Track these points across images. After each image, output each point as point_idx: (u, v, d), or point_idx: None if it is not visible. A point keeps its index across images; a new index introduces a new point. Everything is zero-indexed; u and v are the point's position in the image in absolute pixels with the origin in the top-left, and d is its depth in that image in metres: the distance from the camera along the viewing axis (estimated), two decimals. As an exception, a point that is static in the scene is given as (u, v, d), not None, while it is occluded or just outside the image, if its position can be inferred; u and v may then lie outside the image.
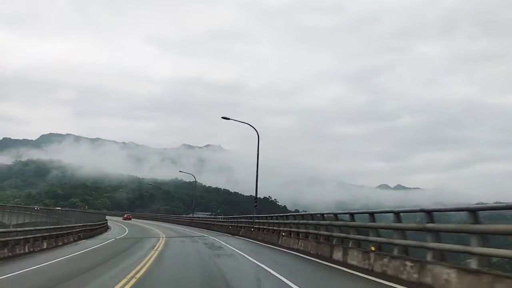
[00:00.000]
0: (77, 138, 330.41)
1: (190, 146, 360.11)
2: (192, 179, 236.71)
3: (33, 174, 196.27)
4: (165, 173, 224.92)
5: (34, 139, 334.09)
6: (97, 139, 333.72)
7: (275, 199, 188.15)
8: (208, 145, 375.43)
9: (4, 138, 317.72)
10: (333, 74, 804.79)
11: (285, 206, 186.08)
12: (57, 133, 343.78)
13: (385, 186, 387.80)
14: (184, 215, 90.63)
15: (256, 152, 35.03)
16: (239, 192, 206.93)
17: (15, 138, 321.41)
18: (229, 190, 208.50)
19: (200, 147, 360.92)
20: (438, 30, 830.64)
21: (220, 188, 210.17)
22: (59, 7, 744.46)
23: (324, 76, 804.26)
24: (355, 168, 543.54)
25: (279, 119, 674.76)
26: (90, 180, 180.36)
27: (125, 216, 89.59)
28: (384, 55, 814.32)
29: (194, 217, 69.98)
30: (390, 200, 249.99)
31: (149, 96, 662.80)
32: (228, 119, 37.77)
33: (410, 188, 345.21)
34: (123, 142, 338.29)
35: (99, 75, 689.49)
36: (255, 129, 34.36)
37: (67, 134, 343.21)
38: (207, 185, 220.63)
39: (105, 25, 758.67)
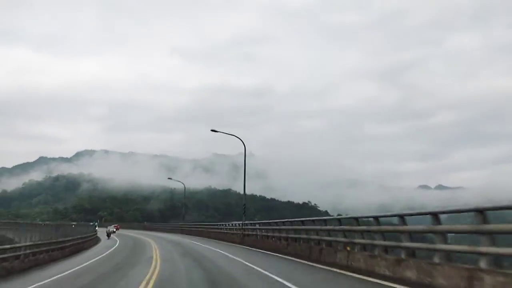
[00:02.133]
0: (109, 153, 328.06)
1: (221, 155, 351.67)
2: (226, 187, 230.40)
3: (63, 189, 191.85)
4: (198, 182, 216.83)
5: (69, 156, 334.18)
6: (129, 153, 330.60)
7: (315, 204, 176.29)
8: (240, 153, 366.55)
9: (40, 157, 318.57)
10: (363, 72, 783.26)
11: (326, 211, 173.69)
12: (91, 149, 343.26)
13: (425, 187, 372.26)
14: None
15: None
16: (276, 198, 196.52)
17: (51, 157, 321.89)
18: (265, 197, 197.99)
19: (232, 155, 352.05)
20: (472, 19, 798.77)
21: (256, 195, 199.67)
22: (87, 26, 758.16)
23: (353, 75, 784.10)
24: (392, 169, 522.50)
25: (310, 122, 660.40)
26: (121, 192, 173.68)
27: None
28: (416, 49, 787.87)
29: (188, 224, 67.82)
30: (433, 200, 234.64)
31: (177, 106, 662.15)
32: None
33: (452, 188, 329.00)
34: (155, 155, 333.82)
35: (128, 89, 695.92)
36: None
37: (101, 150, 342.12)
38: (241, 192, 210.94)
39: (131, 40, 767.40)
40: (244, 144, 34.77)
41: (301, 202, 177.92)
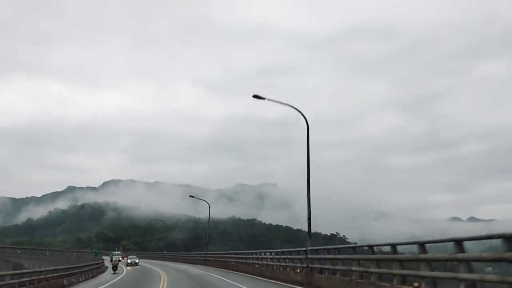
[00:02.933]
0: (135, 182, 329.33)
1: (245, 185, 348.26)
2: (250, 217, 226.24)
3: (88, 217, 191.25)
4: (222, 212, 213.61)
5: (96, 186, 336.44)
6: (154, 183, 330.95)
7: (343, 236, 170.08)
8: (263, 183, 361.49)
9: (68, 187, 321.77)
10: (389, 102, 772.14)
11: (355, 243, 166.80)
12: (118, 179, 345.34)
13: (457, 219, 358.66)
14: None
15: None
16: (302, 229, 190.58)
17: (79, 186, 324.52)
18: (291, 228, 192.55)
19: (255, 186, 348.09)
20: (501, 46, 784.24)
21: (282, 225, 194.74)
22: (114, 58, 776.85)
23: (379, 105, 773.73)
24: (421, 201, 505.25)
25: (334, 152, 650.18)
26: (145, 221, 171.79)
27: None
28: (443, 79, 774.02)
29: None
30: (467, 233, 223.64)
31: (202, 137, 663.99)
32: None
33: (485, 220, 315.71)
34: (179, 184, 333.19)
35: (154, 120, 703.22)
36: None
37: (127, 179, 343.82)
38: (267, 222, 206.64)
39: (157, 71, 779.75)
40: (306, 120, 24.54)
41: (328, 234, 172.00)
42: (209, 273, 32.60)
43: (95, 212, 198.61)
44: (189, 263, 58.76)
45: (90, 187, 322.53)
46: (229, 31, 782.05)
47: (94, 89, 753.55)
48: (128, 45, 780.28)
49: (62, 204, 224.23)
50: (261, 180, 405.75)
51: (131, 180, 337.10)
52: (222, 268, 39.20)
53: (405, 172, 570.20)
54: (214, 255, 50.48)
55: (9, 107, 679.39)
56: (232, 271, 33.90)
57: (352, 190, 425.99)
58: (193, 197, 71.44)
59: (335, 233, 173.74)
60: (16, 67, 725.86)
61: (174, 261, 66.96)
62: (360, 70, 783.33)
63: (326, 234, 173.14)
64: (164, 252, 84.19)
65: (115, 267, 39.44)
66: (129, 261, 55.90)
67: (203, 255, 55.24)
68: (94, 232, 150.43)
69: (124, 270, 41.66)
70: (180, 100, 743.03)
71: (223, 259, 42.62)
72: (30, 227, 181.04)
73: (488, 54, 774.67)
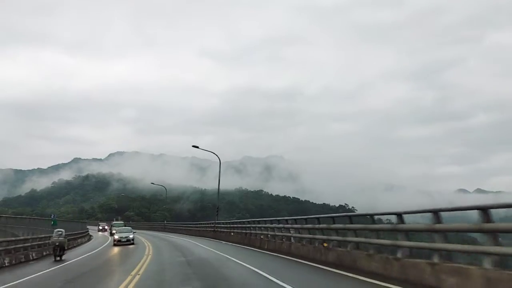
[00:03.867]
0: (140, 154, 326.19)
1: (252, 158, 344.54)
2: (257, 188, 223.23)
3: (92, 188, 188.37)
4: (229, 183, 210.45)
5: (102, 158, 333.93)
6: (159, 155, 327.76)
7: (352, 207, 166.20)
8: (269, 156, 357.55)
9: (74, 158, 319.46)
10: (397, 72, 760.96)
11: (379, 218, 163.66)
12: (123, 151, 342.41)
13: (463, 191, 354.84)
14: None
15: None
16: (310, 201, 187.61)
17: (85, 158, 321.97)
18: (299, 199, 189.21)
19: (262, 158, 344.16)
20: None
21: (289, 197, 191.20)
22: (117, 29, 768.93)
23: (387, 75, 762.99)
24: (428, 172, 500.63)
25: (341, 124, 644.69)
26: (150, 192, 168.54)
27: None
28: (453, 48, 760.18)
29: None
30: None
31: (206, 109, 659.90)
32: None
33: (492, 192, 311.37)
34: (185, 156, 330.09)
35: (158, 92, 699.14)
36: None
37: (132, 151, 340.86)
38: (274, 194, 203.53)
39: (160, 42, 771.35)
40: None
41: (337, 205, 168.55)
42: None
43: (99, 183, 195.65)
44: (194, 235, 47.16)
45: (95, 158, 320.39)
46: (234, 1, 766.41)
47: (96, 60, 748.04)
48: (130, 14, 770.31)
49: (66, 175, 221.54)
50: (268, 152, 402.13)
51: (136, 152, 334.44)
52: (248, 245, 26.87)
53: (413, 143, 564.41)
54: (227, 226, 37.37)
55: (12, 79, 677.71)
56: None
57: (360, 162, 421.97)
58: (197, 145, 56.11)
59: (343, 204, 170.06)
60: (17, 39, 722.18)
61: (176, 233, 57.78)
62: (367, 39, 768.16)
63: (334, 205, 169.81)
64: (166, 222, 78.56)
65: (56, 249, 22.92)
66: (116, 236, 35.26)
67: (213, 225, 42.69)
68: (98, 203, 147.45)
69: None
70: (184, 72, 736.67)
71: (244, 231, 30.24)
72: (34, 198, 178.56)
73: (498, 23, 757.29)
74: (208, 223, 47.58)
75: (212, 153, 46.83)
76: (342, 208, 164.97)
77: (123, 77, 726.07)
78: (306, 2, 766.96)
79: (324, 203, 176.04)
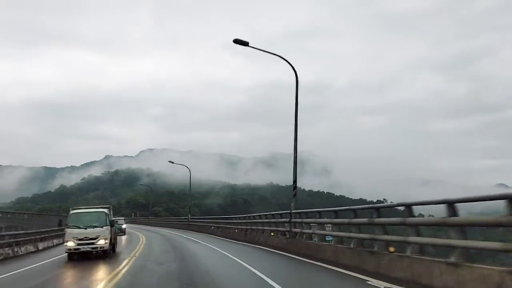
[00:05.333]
0: (169, 151, 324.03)
1: (280, 153, 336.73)
2: (289, 183, 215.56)
3: (122, 184, 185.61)
4: (260, 178, 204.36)
5: (133, 155, 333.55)
6: (188, 151, 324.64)
7: (391, 202, 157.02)
8: (299, 151, 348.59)
9: (106, 156, 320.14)
10: (427, 63, 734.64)
11: (420, 213, 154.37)
12: (153, 148, 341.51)
13: (503, 185, 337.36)
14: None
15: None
16: (346, 196, 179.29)
17: (116, 155, 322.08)
18: (333, 194, 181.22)
19: (291, 153, 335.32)
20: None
21: (324, 192, 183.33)
22: (141, 26, 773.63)
23: (416, 67, 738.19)
24: (463, 166, 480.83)
25: (370, 118, 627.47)
26: (179, 187, 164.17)
27: None
28: (485, 36, 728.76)
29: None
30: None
31: (233, 105, 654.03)
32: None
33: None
34: (214, 153, 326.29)
35: (184, 88, 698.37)
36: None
37: (161, 148, 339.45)
38: (307, 189, 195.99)
39: (184, 38, 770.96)
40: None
41: (374, 200, 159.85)
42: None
43: (128, 178, 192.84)
44: (242, 240, 29.12)
45: (127, 156, 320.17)
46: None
47: (123, 58, 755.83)
48: (154, 11, 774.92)
49: (96, 171, 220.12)
50: (299, 146, 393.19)
51: (165, 149, 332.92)
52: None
53: (446, 136, 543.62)
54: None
55: (41, 79, 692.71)
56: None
57: (392, 156, 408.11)
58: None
59: (382, 200, 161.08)
60: (45, 39, 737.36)
61: (203, 232, 43.14)
62: (394, 30, 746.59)
63: (372, 200, 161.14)
64: (189, 216, 58.46)
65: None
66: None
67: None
68: (125, 198, 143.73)
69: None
70: (209, 67, 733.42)
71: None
72: (63, 193, 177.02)
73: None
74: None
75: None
76: (380, 203, 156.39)
77: (149, 74, 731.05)
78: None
79: (360, 198, 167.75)
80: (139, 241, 32.16)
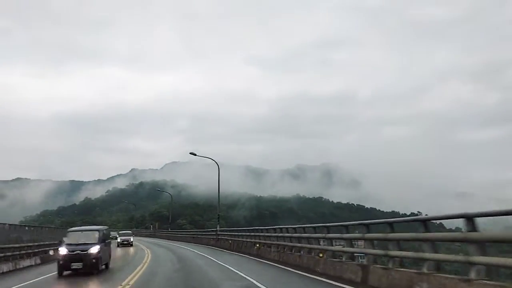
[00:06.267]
0: (194, 163, 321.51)
1: (306, 165, 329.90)
2: (316, 195, 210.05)
3: (146, 196, 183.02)
4: (286, 190, 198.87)
5: (159, 168, 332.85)
6: (213, 164, 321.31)
7: (426, 215, 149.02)
8: (324, 162, 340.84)
9: (132, 169, 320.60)
10: (456, 71, 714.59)
11: (441, 223, 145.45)
12: (177, 161, 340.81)
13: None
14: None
15: None
16: (377, 208, 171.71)
17: (142, 169, 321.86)
18: (364, 206, 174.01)
19: (317, 165, 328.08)
20: None
21: (353, 204, 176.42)
22: (164, 40, 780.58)
23: (444, 76, 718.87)
24: (499, 178, 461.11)
25: (397, 128, 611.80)
26: (204, 199, 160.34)
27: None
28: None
29: None
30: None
31: (257, 117, 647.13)
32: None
33: None
34: (238, 165, 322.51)
35: (208, 101, 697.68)
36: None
37: (186, 161, 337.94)
38: (335, 201, 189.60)
39: (207, 52, 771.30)
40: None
41: (408, 213, 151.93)
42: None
43: (153, 191, 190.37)
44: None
45: (152, 168, 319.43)
46: (279, 3, 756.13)
47: (149, 73, 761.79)
48: (178, 27, 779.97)
49: (121, 184, 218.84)
50: (322, 158, 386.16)
51: (190, 162, 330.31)
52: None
53: (478, 147, 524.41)
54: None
55: (70, 94, 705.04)
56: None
57: (422, 167, 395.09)
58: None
59: (415, 213, 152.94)
60: (75, 55, 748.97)
61: (242, 253, 29.83)
62: (422, 38, 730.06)
63: (405, 213, 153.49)
64: (218, 229, 44.45)
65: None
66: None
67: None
68: (149, 210, 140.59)
69: None
70: (232, 80, 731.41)
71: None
72: (88, 206, 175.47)
73: None
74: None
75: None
76: (414, 216, 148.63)
77: (174, 88, 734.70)
78: (354, 2, 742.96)
79: (392, 211, 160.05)
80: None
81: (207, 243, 45.29)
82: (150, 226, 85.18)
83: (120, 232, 58.32)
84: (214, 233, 45.59)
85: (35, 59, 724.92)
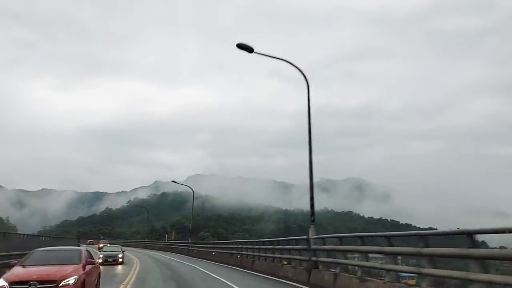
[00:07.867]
0: (217, 176, 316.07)
1: (331, 180, 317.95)
2: (346, 209, 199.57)
3: (168, 207, 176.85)
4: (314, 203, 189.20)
5: (182, 180, 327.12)
6: (237, 177, 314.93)
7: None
8: (349, 177, 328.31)
9: (155, 181, 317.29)
10: (485, 84, 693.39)
11: (483, 241, 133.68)
12: (201, 174, 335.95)
13: None
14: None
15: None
16: (412, 224, 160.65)
17: (165, 181, 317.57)
18: (398, 222, 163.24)
19: (342, 180, 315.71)
20: None
21: (387, 219, 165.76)
22: (189, 55, 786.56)
23: (473, 88, 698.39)
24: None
25: (424, 142, 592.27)
26: (228, 211, 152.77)
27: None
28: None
29: None
30: None
31: (279, 131, 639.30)
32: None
33: None
34: (262, 179, 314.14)
35: (231, 115, 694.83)
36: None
37: (210, 174, 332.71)
38: (366, 216, 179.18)
39: (230, 65, 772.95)
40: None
41: (446, 229, 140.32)
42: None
43: (175, 202, 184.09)
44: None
45: (175, 181, 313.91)
46: (302, 16, 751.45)
47: (172, 86, 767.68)
48: (201, 40, 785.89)
49: (143, 195, 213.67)
50: (347, 172, 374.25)
51: (213, 174, 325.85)
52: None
53: (506, 162, 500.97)
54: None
55: (95, 107, 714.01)
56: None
57: (453, 182, 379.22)
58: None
59: (456, 229, 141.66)
60: (99, 69, 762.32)
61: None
62: (450, 50, 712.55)
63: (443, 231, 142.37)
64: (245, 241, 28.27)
65: None
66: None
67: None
68: (170, 221, 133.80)
69: None
70: (255, 93, 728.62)
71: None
72: (108, 217, 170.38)
73: None
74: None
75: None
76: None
77: (197, 101, 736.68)
78: (378, 14, 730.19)
79: (430, 227, 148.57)
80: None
81: (228, 262, 30.97)
82: (165, 236, 78.31)
83: (103, 245, 55.11)
84: (240, 244, 36.44)
85: (60, 72, 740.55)
